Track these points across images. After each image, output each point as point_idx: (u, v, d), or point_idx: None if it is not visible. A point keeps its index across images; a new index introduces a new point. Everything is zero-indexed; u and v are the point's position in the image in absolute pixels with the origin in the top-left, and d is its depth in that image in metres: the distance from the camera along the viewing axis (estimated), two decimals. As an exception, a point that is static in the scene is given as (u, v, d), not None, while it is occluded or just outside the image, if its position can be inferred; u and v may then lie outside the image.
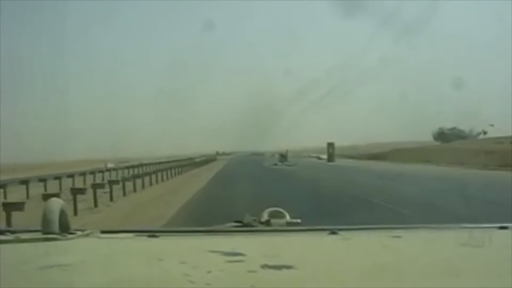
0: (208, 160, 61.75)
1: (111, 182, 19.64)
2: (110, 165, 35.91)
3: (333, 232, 1.64)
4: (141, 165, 36.76)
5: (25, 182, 20.60)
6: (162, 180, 27.52)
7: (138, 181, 22.45)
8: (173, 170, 32.73)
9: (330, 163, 53.89)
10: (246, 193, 18.19)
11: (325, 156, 62.16)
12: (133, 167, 34.36)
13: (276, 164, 48.85)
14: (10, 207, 11.44)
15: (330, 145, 60.31)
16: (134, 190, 21.04)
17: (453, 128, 72.21)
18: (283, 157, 54.88)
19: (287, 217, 2.23)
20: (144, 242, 1.64)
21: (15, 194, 17.97)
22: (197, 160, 55.03)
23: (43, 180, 22.17)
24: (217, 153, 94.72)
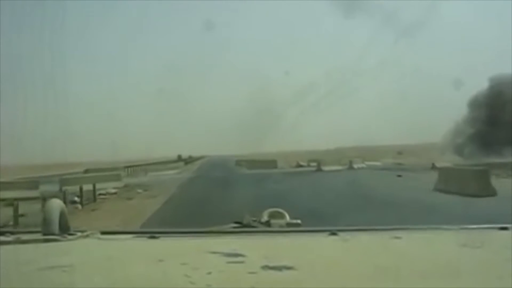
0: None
1: None
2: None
3: (333, 233, 1.64)
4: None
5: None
6: None
7: None
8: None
9: None
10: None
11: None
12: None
13: None
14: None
15: None
16: None
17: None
18: None
19: (287, 217, 2.22)
20: (144, 243, 1.64)
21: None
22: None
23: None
24: (180, 158, 58.46)
